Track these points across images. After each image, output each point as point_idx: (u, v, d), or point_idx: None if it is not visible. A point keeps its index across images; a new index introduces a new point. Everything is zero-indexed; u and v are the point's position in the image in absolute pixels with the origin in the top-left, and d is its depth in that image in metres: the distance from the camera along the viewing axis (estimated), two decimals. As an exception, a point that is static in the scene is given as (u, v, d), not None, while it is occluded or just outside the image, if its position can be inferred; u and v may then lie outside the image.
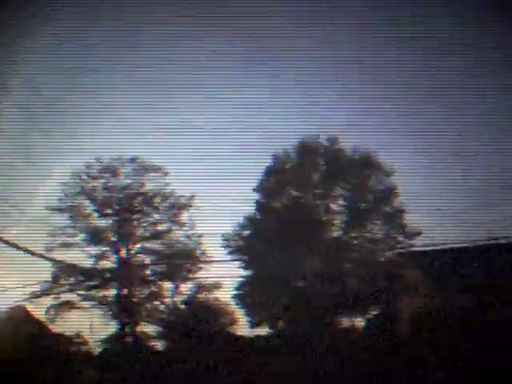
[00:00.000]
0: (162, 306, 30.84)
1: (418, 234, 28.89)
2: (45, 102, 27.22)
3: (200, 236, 30.57)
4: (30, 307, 29.90)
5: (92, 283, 29.12)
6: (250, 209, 30.15)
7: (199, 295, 31.45)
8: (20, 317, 28.50)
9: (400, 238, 29.26)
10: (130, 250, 30.12)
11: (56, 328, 30.07)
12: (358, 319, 29.49)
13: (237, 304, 30.43)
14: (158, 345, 30.82)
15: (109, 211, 29.53)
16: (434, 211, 28.23)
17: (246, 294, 29.89)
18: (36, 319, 30.35)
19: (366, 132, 33.81)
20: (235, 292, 30.03)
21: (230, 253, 29.79)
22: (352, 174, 29.93)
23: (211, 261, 30.46)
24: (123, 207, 29.54)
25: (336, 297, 27.52)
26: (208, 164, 34.08)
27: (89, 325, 29.35)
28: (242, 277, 29.99)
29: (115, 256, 29.69)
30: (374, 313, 29.07)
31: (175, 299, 30.93)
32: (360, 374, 23.32)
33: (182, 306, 31.19)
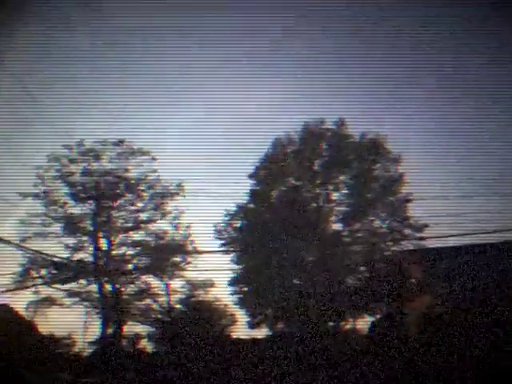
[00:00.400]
0: (151, 303, 28.89)
1: (425, 226, 26.80)
2: (23, 85, 24.90)
3: (189, 226, 28.51)
4: (13, 305, 28.07)
5: (72, 277, 26.86)
6: (244, 197, 28.37)
7: (190, 292, 29.90)
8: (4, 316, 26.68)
9: (406, 231, 27.24)
10: (114, 241, 27.91)
11: (35, 326, 28.04)
12: (361, 319, 28.00)
13: (233, 303, 28.76)
14: (147, 346, 29.42)
15: (90, 198, 27.06)
16: (442, 201, 25.84)
17: (242, 292, 28.19)
18: (19, 318, 28.20)
19: (372, 117, 31.46)
20: (230, 289, 28.35)
21: (222, 245, 28.01)
22: (356, 161, 28.00)
23: (202, 252, 28.45)
24: (106, 194, 27.04)
25: (337, 295, 26.01)
26: (200, 149, 31.65)
27: (71, 324, 27.39)
28: (235, 272, 28.28)
29: (97, 248, 27.40)
30: (378, 313, 27.59)
31: (164, 296, 29.02)
32: (362, 376, 22.41)
33: (172, 304, 29.40)
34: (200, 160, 29.94)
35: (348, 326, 27.74)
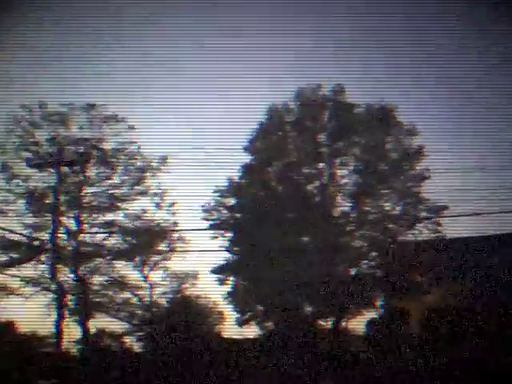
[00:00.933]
0: (124, 296, 25.67)
1: (444, 208, 24.39)
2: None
3: (173, 205, 25.28)
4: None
5: (22, 260, 23.36)
6: (237, 174, 25.79)
7: (172, 284, 27.08)
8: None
9: (421, 214, 24.87)
10: (83, 221, 24.52)
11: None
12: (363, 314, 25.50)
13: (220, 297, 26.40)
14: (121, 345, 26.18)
15: (55, 170, 23.29)
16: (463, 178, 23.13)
17: (231, 284, 25.90)
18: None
19: (380, 81, 28.89)
20: (217, 280, 25.80)
21: (210, 228, 25.51)
22: (363, 134, 25.50)
23: (185, 232, 25.75)
24: (74, 166, 23.52)
25: (339, 286, 23.41)
26: (187, 119, 28.66)
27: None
28: (225, 260, 25.74)
29: (63, 228, 23.76)
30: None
31: (141, 287, 26.11)
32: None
33: (150, 297, 26.45)
34: (189, 129, 26.77)
35: (350, 323, 25.58)
